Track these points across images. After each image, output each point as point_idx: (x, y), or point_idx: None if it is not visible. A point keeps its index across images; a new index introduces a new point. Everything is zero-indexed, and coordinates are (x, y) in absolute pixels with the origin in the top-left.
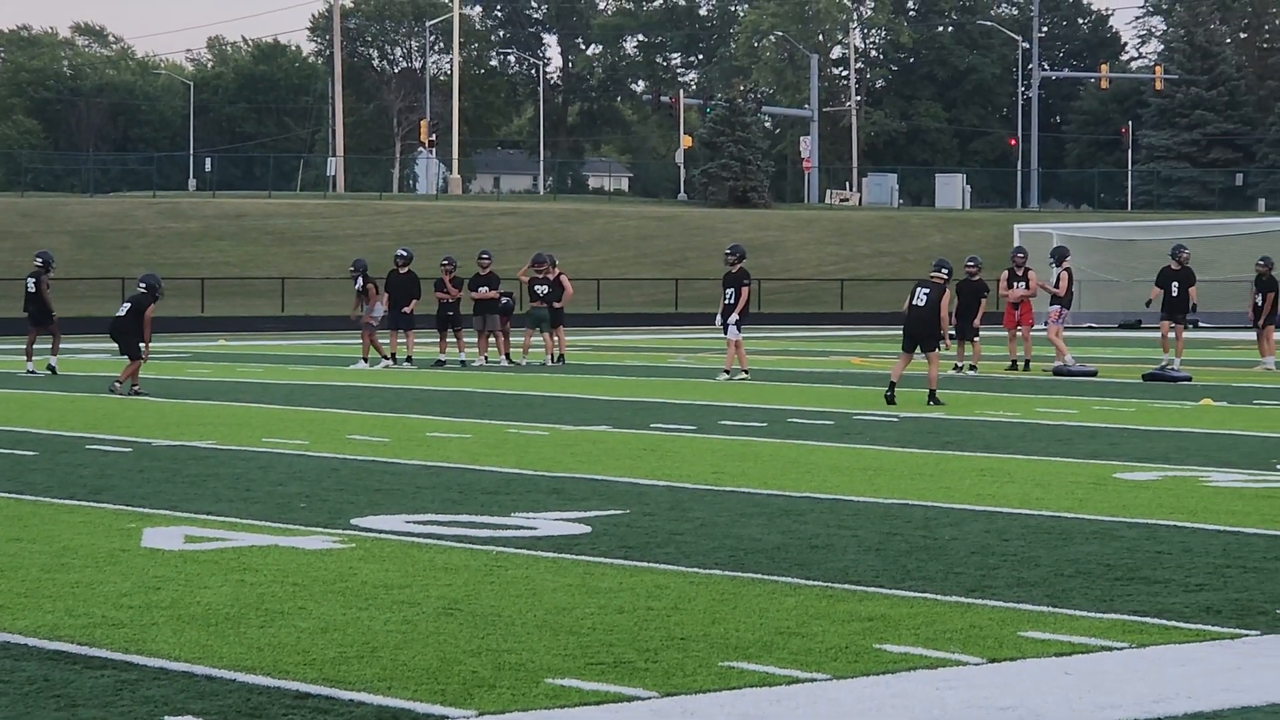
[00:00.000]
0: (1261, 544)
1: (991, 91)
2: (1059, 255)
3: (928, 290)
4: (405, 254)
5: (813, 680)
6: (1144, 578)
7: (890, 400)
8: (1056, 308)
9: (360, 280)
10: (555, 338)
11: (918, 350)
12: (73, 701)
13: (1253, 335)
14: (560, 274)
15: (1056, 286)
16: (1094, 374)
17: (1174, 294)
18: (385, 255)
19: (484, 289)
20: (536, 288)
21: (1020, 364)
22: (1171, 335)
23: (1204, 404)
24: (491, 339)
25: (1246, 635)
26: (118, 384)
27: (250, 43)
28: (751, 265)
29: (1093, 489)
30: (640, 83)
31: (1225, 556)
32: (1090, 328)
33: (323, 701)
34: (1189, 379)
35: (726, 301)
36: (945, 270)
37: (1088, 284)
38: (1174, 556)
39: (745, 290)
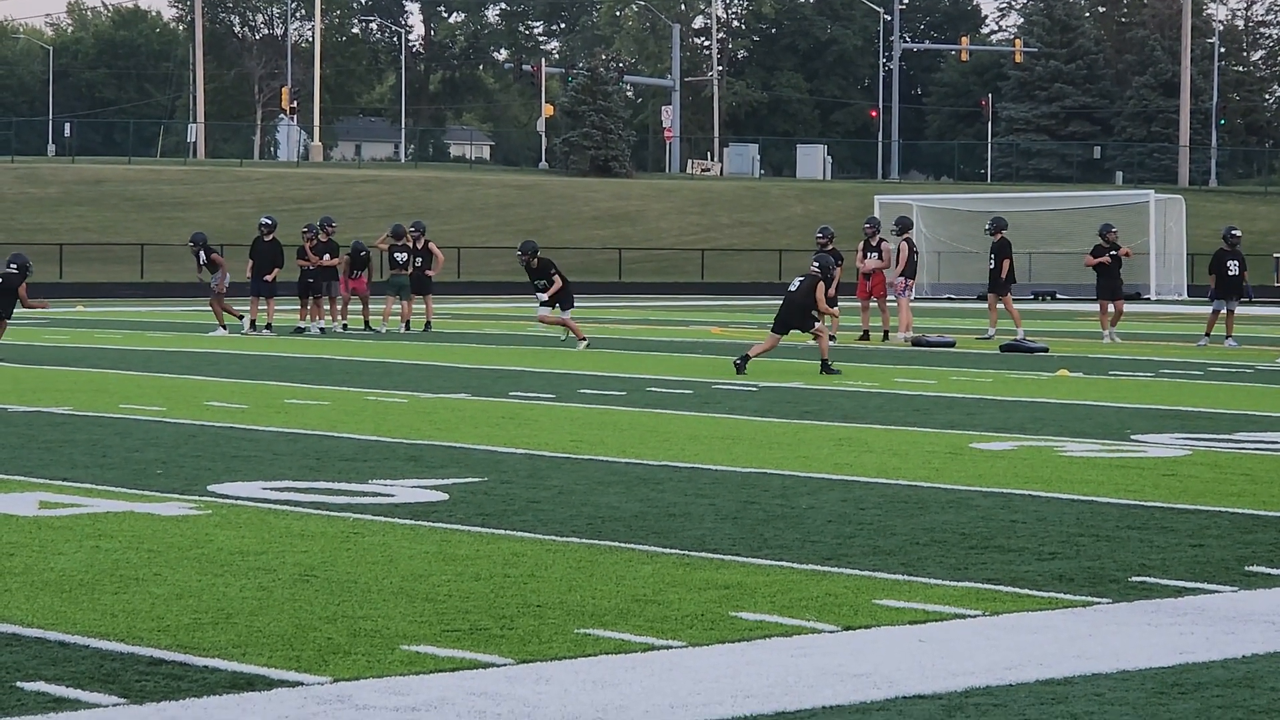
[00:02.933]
0: (1114, 513)
1: (853, 63)
2: (902, 226)
3: (802, 279)
4: (270, 222)
5: (668, 648)
6: (998, 546)
7: (740, 370)
8: (902, 279)
9: (203, 254)
10: (426, 305)
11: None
12: None
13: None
14: (428, 242)
15: (898, 258)
16: (952, 344)
17: (1230, 273)
18: (246, 222)
19: (326, 256)
20: (396, 255)
21: (879, 334)
22: (1223, 314)
23: (1060, 375)
24: (327, 305)
25: (1098, 603)
26: None
27: (110, 8)
28: (613, 235)
29: (949, 458)
30: (502, 51)
31: (1079, 525)
32: (949, 298)
33: (177, 668)
34: (1046, 350)
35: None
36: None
37: (947, 255)
38: (1028, 525)
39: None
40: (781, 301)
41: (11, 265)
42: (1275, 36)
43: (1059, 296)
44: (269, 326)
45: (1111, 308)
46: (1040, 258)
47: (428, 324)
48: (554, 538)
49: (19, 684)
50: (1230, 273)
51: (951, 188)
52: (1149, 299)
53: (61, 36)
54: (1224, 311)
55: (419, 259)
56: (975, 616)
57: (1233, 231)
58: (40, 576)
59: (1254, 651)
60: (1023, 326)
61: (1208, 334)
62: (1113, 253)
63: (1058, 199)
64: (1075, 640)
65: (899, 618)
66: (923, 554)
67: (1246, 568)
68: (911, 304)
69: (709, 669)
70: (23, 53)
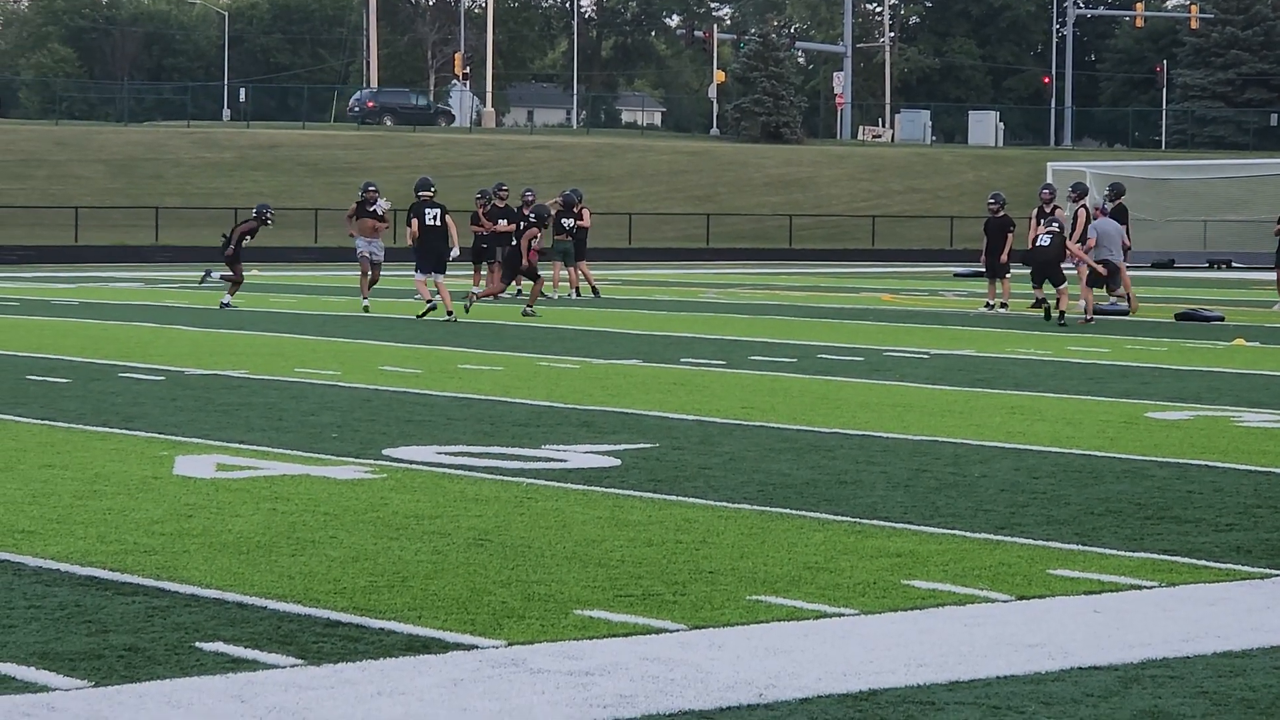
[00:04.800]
0: None
1: (1026, 29)
2: (1079, 192)
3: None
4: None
5: (840, 615)
6: (1174, 517)
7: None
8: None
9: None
10: (580, 272)
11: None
12: (104, 627)
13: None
14: (584, 208)
15: (1073, 225)
16: (1126, 313)
17: None
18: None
19: (502, 222)
20: (563, 221)
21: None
22: None
23: (1237, 344)
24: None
25: (1276, 575)
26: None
27: None
28: (783, 201)
29: (1124, 428)
30: (674, 17)
31: (1256, 496)
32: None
33: (353, 630)
34: (1222, 319)
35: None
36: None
37: (1130, 223)
38: (1204, 496)
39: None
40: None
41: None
42: None
43: (1235, 265)
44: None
45: None
46: (1215, 225)
47: (594, 289)
48: (725, 504)
49: (198, 644)
50: None
51: (1125, 155)
52: None
53: (237, 2)
54: None
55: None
56: (1151, 588)
57: None
58: (218, 538)
59: None
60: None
61: None
62: None
63: (1233, 166)
64: (1253, 612)
65: (1073, 588)
66: (1097, 524)
67: None
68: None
69: (882, 637)
70: (199, 19)
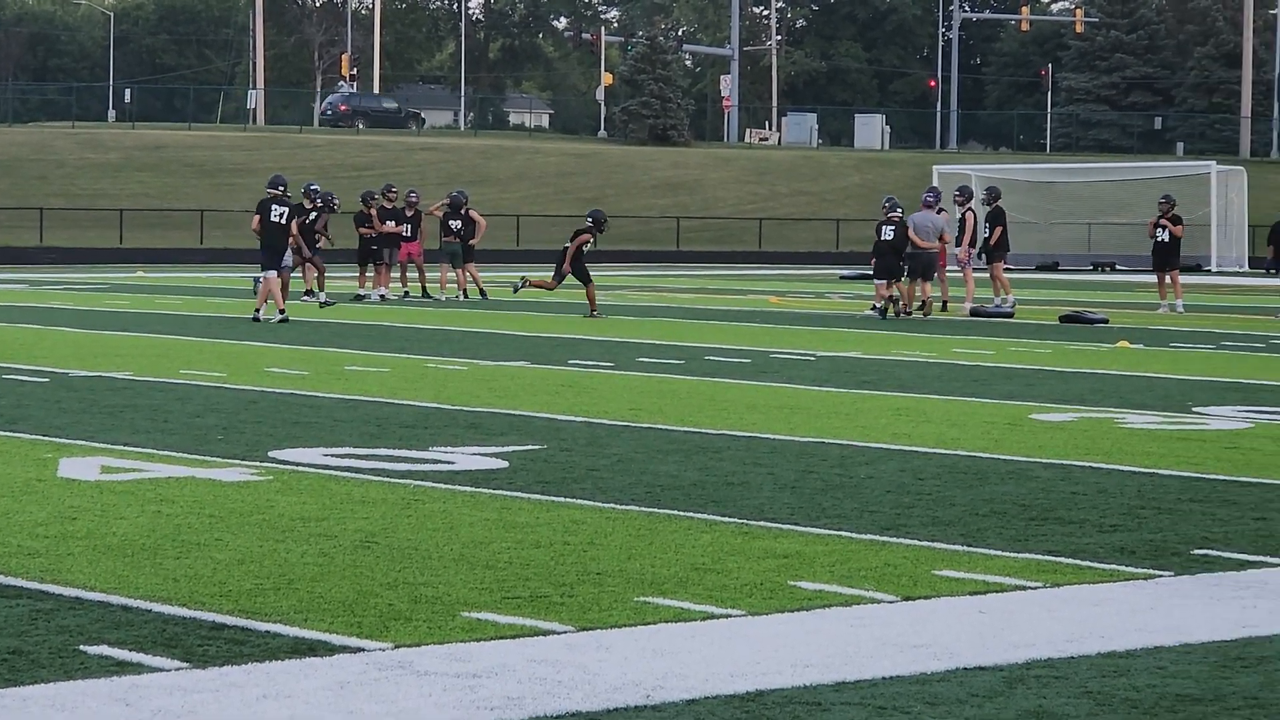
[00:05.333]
0: (1175, 485)
1: (911, 32)
2: (964, 195)
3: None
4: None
5: (727, 616)
6: (1059, 518)
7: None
8: (966, 249)
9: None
10: (472, 273)
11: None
12: None
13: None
14: (471, 210)
15: (961, 228)
16: (1011, 315)
17: None
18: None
19: (390, 223)
20: (450, 222)
21: (938, 305)
22: None
23: (1120, 346)
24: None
25: (1160, 576)
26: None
27: None
28: (671, 203)
29: (1008, 429)
30: (562, 20)
31: (1139, 497)
32: (1007, 269)
33: (239, 633)
34: (1106, 321)
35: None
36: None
37: (1009, 226)
38: (1089, 497)
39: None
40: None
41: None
42: None
43: (1119, 267)
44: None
45: (1168, 279)
46: (1099, 228)
47: (481, 291)
48: (613, 506)
49: (82, 647)
50: None
51: (1010, 158)
52: (1209, 270)
53: (122, 3)
54: None
55: (464, 227)
56: (1036, 588)
57: None
58: (103, 541)
59: None
60: (1005, 294)
61: None
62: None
63: (1118, 169)
64: (1137, 613)
65: (959, 588)
66: (982, 525)
67: None
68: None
69: (768, 638)
70: (84, 19)
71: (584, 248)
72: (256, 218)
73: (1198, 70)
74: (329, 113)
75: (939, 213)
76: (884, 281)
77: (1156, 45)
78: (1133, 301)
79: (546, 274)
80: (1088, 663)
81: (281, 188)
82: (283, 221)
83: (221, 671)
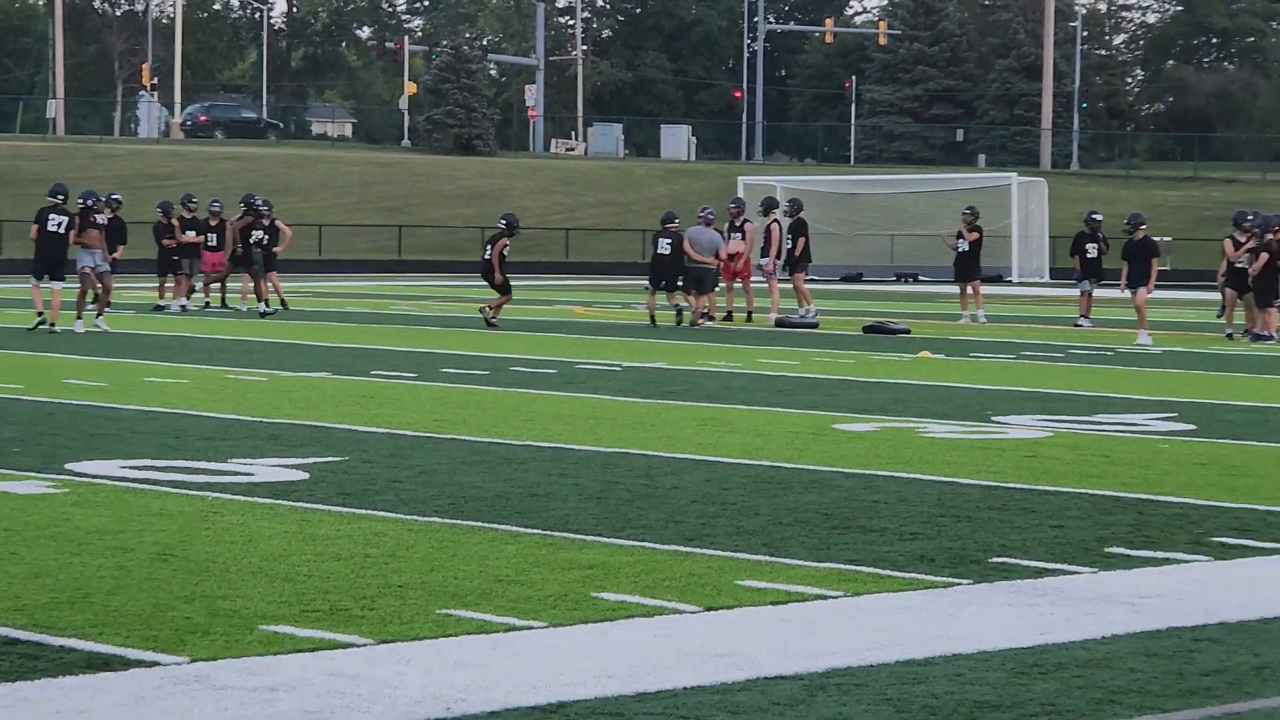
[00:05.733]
0: (975, 494)
1: (717, 44)
2: (767, 206)
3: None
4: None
5: (530, 628)
6: (860, 527)
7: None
8: (770, 260)
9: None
10: (274, 283)
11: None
12: None
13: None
14: (275, 219)
15: (766, 239)
16: (815, 325)
17: (1088, 256)
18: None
19: (190, 233)
20: (254, 232)
21: (742, 315)
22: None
23: (922, 356)
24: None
25: (959, 584)
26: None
27: None
28: (476, 213)
29: (812, 439)
30: (365, 28)
31: (940, 506)
32: (810, 280)
33: (32, 648)
34: (908, 331)
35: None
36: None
37: (812, 238)
38: (890, 506)
39: None
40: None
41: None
42: (1137, 20)
43: (921, 278)
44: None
45: (969, 289)
46: (902, 240)
47: (282, 301)
48: (415, 518)
49: None
50: (1089, 255)
51: (815, 169)
52: (1011, 281)
53: None
54: (1085, 293)
55: (267, 236)
56: (837, 597)
57: (1093, 215)
58: None
59: (1113, 632)
60: (808, 305)
61: (1084, 315)
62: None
63: (920, 181)
64: (936, 621)
65: (761, 598)
66: (785, 534)
67: (1105, 549)
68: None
69: (571, 649)
70: None
71: (504, 253)
72: (35, 227)
73: (999, 83)
74: (188, 123)
75: (744, 224)
76: (654, 291)
77: (959, 58)
78: (934, 312)
79: (492, 294)
80: (887, 670)
81: (61, 197)
82: (60, 231)
83: (13, 687)
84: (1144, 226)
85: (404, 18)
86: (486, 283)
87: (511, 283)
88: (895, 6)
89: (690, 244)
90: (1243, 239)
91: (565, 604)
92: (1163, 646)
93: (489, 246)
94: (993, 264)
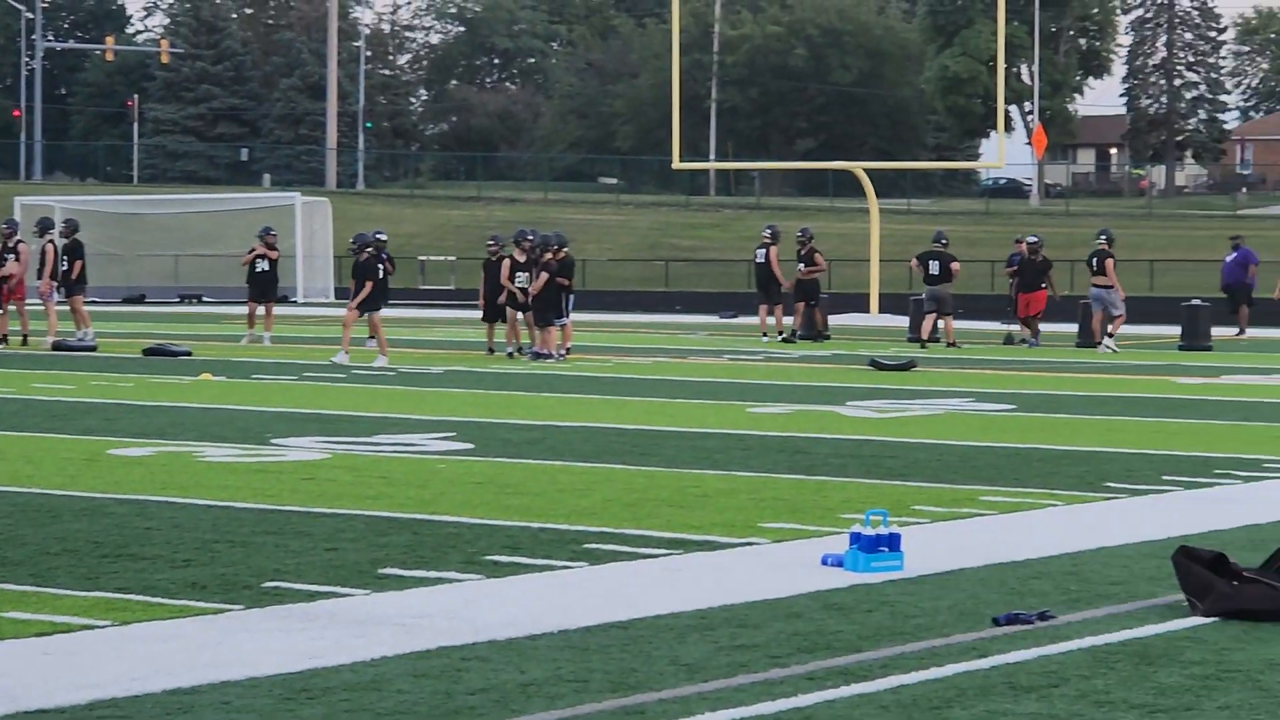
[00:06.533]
0: (251, 518)
1: None
2: (42, 227)
3: None
4: None
5: None
6: (132, 554)
7: None
8: (48, 282)
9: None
10: None
11: None
12: None
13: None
14: None
15: (42, 260)
16: (94, 348)
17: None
18: None
19: None
20: None
21: (18, 339)
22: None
23: (203, 378)
24: None
25: (231, 609)
26: None
27: None
28: None
29: (85, 465)
30: None
31: (214, 531)
32: (90, 302)
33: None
34: (189, 353)
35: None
36: None
37: (92, 258)
38: (163, 532)
39: None
40: None
41: None
42: (421, 41)
43: (206, 299)
44: None
45: (261, 309)
46: (187, 260)
47: None
48: None
49: None
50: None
51: (97, 189)
52: (297, 301)
53: None
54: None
55: None
56: (104, 627)
57: (379, 236)
58: None
59: (383, 654)
60: (86, 328)
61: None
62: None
63: (205, 201)
64: (205, 648)
65: (25, 630)
66: (53, 564)
67: (379, 570)
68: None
69: None
70: None
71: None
72: None
73: (284, 102)
74: None
75: (18, 245)
76: None
77: (243, 77)
78: (218, 333)
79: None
80: (153, 700)
81: None
82: None
83: None
84: (369, 249)
85: None
86: None
87: None
88: (178, 25)
89: None
90: (521, 258)
91: None
92: (431, 666)
93: None
94: (282, 284)
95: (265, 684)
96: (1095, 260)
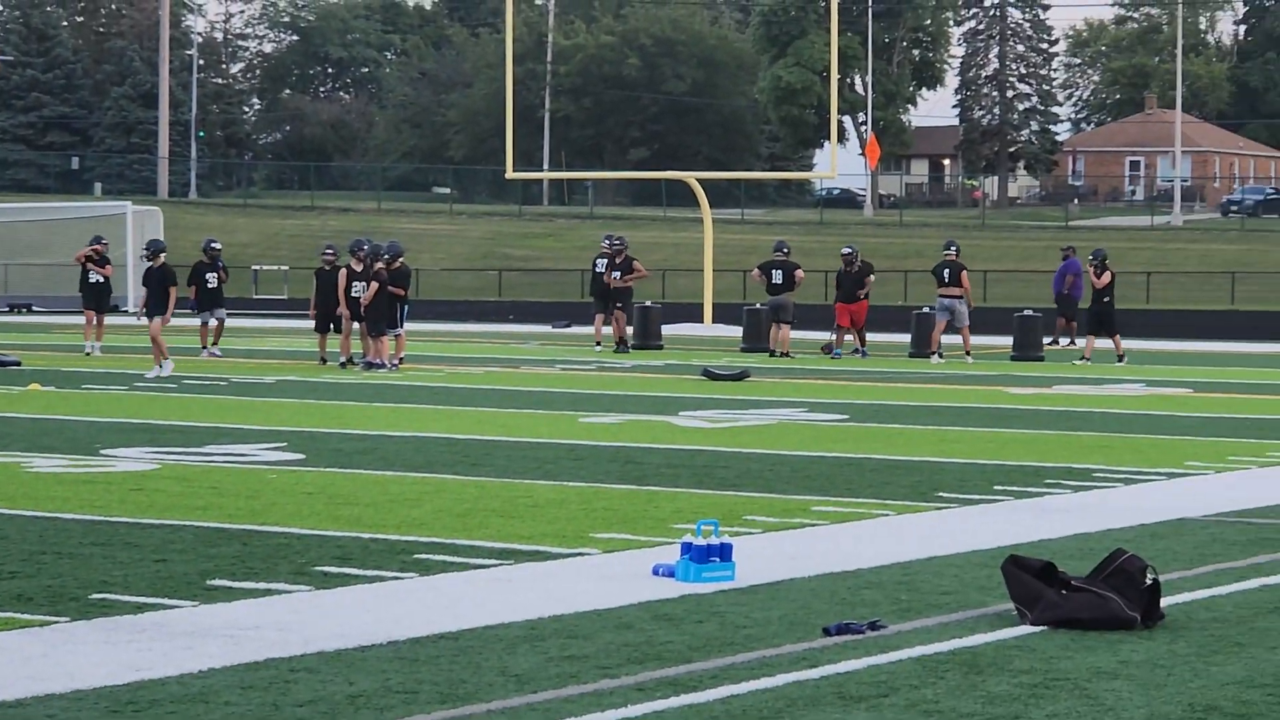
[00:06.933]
0: (79, 529)
1: None
2: None
3: None
4: None
5: None
6: None
7: None
8: None
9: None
10: None
11: None
12: None
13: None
14: None
15: None
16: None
17: (209, 286)
18: None
19: None
20: None
21: None
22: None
23: (32, 389)
24: None
25: (56, 622)
26: None
27: None
28: None
29: None
30: None
31: (41, 543)
32: None
33: None
34: (19, 363)
35: None
36: None
37: None
38: None
39: None
40: None
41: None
42: (254, 49)
43: (36, 308)
44: None
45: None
46: (16, 269)
47: None
48: None
49: None
50: (209, 285)
51: None
52: (128, 311)
53: None
54: (204, 324)
55: None
56: None
57: (212, 244)
58: None
59: (211, 666)
60: None
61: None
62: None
63: (35, 210)
64: (29, 661)
65: None
66: None
67: (208, 581)
68: None
69: None
70: None
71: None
72: None
73: (116, 110)
74: None
75: None
76: None
77: (74, 85)
78: (48, 343)
79: None
80: None
81: None
82: None
83: None
84: (164, 255)
85: None
86: None
87: None
88: (7, 32)
89: None
90: (358, 268)
91: None
92: (260, 678)
93: None
94: (115, 293)
95: (91, 697)
96: (948, 271)
